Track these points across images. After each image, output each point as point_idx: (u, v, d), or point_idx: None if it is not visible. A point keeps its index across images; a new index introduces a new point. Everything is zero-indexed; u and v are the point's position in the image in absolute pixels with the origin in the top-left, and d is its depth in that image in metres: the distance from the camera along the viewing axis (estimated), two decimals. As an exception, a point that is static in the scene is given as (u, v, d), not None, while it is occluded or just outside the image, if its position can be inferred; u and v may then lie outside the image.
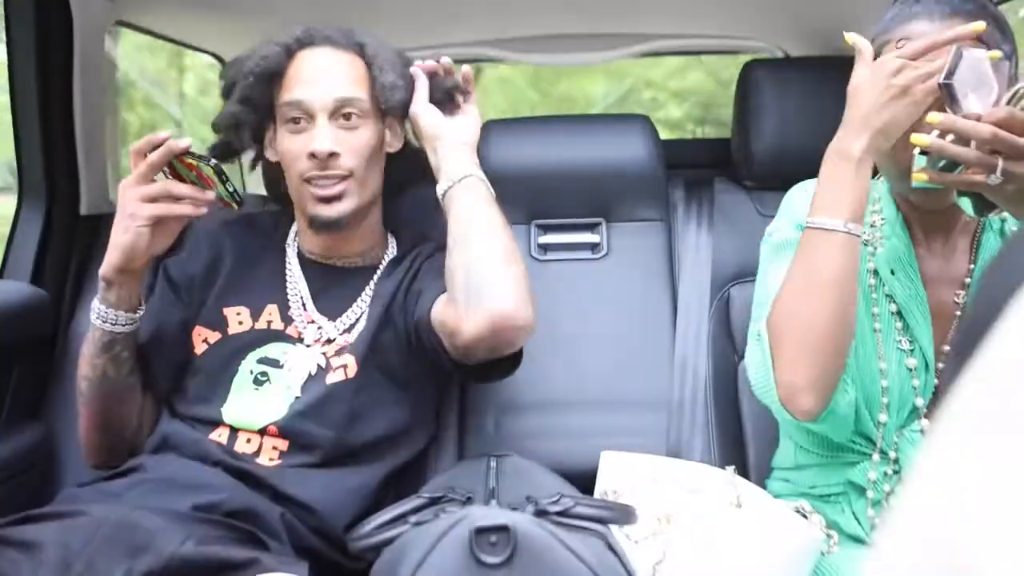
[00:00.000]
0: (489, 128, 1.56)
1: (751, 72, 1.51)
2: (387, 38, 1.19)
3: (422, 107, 1.15)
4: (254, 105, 1.14)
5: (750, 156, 1.49)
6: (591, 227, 1.53)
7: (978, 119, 0.85)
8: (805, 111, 1.46)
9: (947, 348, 1.00)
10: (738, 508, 1.00)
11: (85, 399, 1.11)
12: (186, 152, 1.01)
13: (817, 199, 0.96)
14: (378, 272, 1.19)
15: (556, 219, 1.53)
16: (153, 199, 1.01)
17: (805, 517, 1.03)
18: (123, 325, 1.07)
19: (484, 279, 1.02)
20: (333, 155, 1.09)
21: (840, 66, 1.69)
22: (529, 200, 1.52)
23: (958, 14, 0.94)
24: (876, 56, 0.96)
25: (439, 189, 1.11)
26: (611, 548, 0.89)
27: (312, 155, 1.09)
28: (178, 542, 0.88)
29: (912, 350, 1.01)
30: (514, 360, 1.12)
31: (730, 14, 2.05)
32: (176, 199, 1.02)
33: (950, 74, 0.89)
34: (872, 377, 1.00)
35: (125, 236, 1.02)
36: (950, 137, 0.85)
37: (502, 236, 1.06)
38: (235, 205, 1.04)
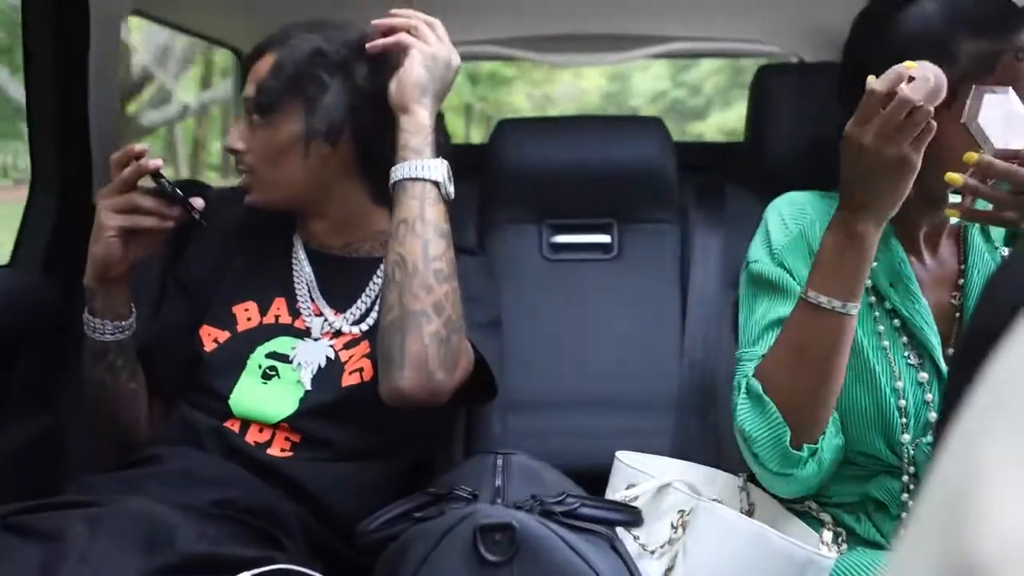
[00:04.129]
0: (502, 127, 1.57)
1: (765, 77, 1.50)
2: None
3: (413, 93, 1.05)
4: None
5: (763, 160, 1.49)
6: (603, 228, 1.53)
7: (1015, 156, 0.83)
8: (819, 117, 1.45)
9: (951, 352, 0.98)
10: (749, 516, 1.00)
11: (90, 406, 1.12)
12: (157, 172, 1.03)
13: (818, 272, 0.90)
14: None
15: (568, 219, 1.53)
16: (122, 211, 1.03)
17: (815, 517, 1.03)
18: (111, 334, 1.07)
19: (393, 346, 0.96)
20: (236, 151, 1.11)
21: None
22: (541, 200, 1.52)
23: None
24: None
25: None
26: (616, 549, 0.89)
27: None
28: (194, 539, 0.87)
29: (921, 363, 0.98)
30: (485, 390, 1.08)
31: (745, 18, 2.04)
32: (145, 212, 1.04)
33: (972, 116, 0.86)
34: (885, 399, 0.97)
35: (96, 246, 1.04)
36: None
37: (420, 282, 0.96)
38: (203, 223, 1.07)
